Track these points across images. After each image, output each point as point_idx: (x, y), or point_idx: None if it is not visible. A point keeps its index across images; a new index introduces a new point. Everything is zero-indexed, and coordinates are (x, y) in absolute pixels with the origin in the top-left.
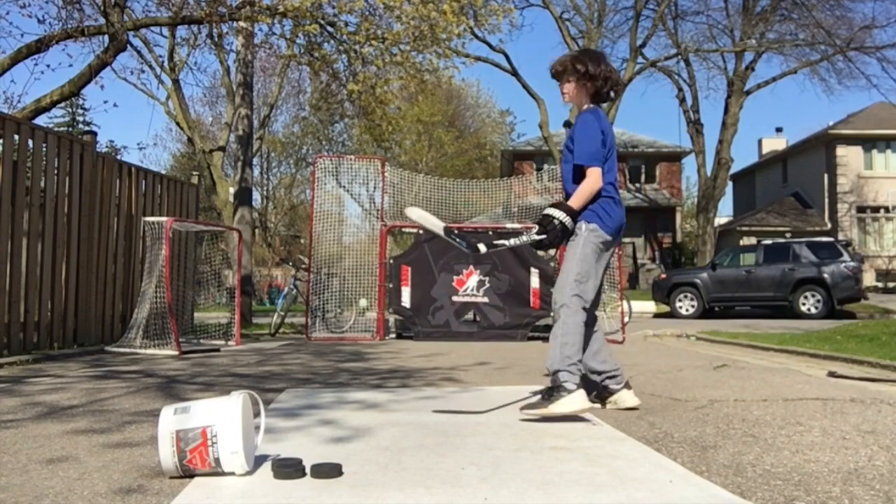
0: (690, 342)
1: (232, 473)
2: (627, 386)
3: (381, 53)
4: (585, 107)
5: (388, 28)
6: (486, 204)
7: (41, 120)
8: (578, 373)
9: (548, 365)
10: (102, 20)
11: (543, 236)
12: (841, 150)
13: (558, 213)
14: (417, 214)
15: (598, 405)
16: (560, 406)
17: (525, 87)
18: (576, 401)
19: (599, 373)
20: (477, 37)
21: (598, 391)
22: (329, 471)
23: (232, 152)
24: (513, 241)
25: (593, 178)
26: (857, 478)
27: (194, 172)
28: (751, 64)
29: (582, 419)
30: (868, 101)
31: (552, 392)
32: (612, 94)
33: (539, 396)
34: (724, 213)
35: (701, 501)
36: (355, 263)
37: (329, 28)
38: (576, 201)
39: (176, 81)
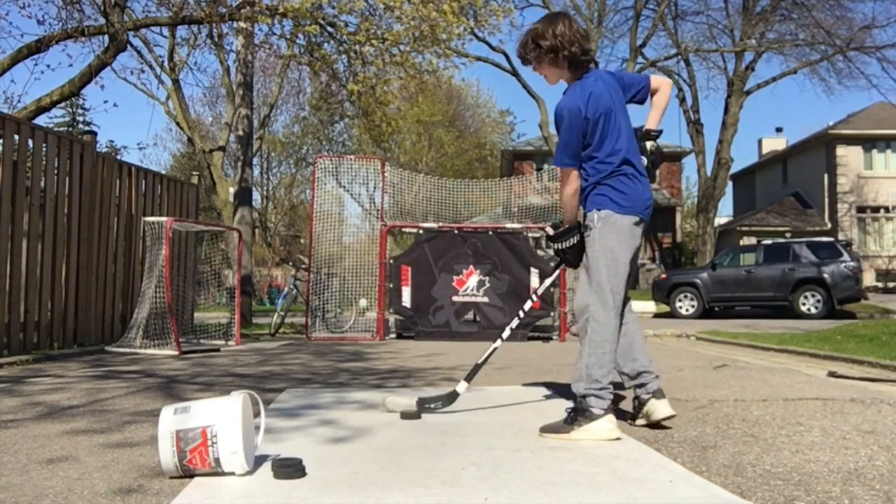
0: (690, 342)
1: (232, 473)
2: (659, 394)
3: (381, 54)
4: (569, 83)
5: (388, 28)
6: (486, 204)
7: (41, 120)
8: (609, 396)
9: (573, 388)
10: (102, 20)
11: (562, 265)
12: (841, 150)
13: (556, 246)
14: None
15: (631, 421)
16: (583, 433)
17: (525, 86)
18: (602, 428)
19: (629, 375)
20: (477, 37)
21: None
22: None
23: (232, 152)
24: (553, 277)
25: (563, 181)
26: (857, 478)
27: (194, 172)
28: (751, 64)
29: None
30: (868, 101)
31: (576, 414)
32: (588, 54)
33: (563, 417)
34: (724, 213)
35: (701, 501)
36: (355, 263)
37: (329, 28)
38: (565, 214)
39: (176, 81)
